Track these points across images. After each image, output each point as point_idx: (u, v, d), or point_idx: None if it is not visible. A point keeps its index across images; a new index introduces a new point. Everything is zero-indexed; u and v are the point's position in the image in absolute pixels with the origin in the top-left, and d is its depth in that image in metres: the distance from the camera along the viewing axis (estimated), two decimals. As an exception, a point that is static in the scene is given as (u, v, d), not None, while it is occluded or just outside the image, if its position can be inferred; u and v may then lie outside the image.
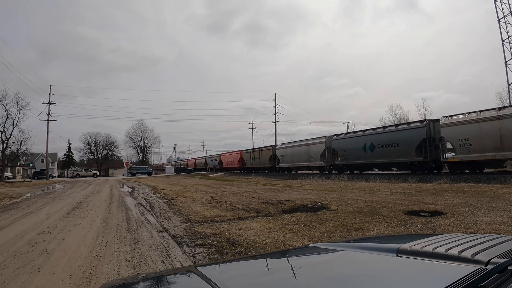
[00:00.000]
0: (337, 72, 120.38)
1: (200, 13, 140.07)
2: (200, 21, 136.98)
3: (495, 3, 29.09)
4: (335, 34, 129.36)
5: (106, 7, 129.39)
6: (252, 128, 56.36)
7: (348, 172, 21.56)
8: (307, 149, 25.99)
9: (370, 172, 20.73)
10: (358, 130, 25.94)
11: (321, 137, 25.30)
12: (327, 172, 23.52)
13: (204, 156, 52.20)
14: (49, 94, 41.58)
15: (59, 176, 57.98)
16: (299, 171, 28.06)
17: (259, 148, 37.29)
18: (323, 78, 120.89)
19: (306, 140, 27.40)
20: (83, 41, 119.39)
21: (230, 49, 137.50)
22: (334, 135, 24.14)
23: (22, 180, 41.83)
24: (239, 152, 41.08)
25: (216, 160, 50.48)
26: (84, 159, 69.50)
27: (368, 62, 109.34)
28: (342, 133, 24.83)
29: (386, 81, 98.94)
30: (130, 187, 21.23)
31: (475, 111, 14.90)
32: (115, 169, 67.77)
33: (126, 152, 77.40)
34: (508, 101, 29.69)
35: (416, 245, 1.03)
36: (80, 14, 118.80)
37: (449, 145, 15.73)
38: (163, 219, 7.63)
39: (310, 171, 26.19)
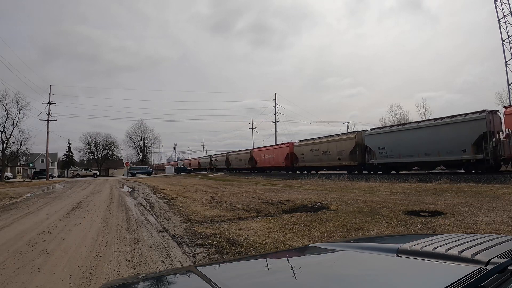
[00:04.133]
0: (340, 72, 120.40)
1: (204, 12, 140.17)
2: (203, 20, 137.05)
3: (495, 3, 29.13)
4: (339, 34, 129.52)
5: (108, 6, 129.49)
6: (252, 128, 56.41)
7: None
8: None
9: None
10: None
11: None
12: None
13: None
14: (49, 94, 41.69)
15: (59, 176, 57.96)
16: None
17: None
18: (326, 78, 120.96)
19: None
20: (85, 40, 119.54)
21: (233, 49, 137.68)
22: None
23: (22, 180, 41.81)
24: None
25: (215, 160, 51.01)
26: (84, 159, 69.59)
27: (371, 62, 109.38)
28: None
29: (388, 81, 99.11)
30: (130, 187, 21.22)
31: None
32: (115, 169, 67.77)
33: (126, 152, 77.63)
34: (508, 101, 29.69)
35: (416, 245, 1.03)
36: (81, 13, 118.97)
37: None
38: (163, 219, 7.63)
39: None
